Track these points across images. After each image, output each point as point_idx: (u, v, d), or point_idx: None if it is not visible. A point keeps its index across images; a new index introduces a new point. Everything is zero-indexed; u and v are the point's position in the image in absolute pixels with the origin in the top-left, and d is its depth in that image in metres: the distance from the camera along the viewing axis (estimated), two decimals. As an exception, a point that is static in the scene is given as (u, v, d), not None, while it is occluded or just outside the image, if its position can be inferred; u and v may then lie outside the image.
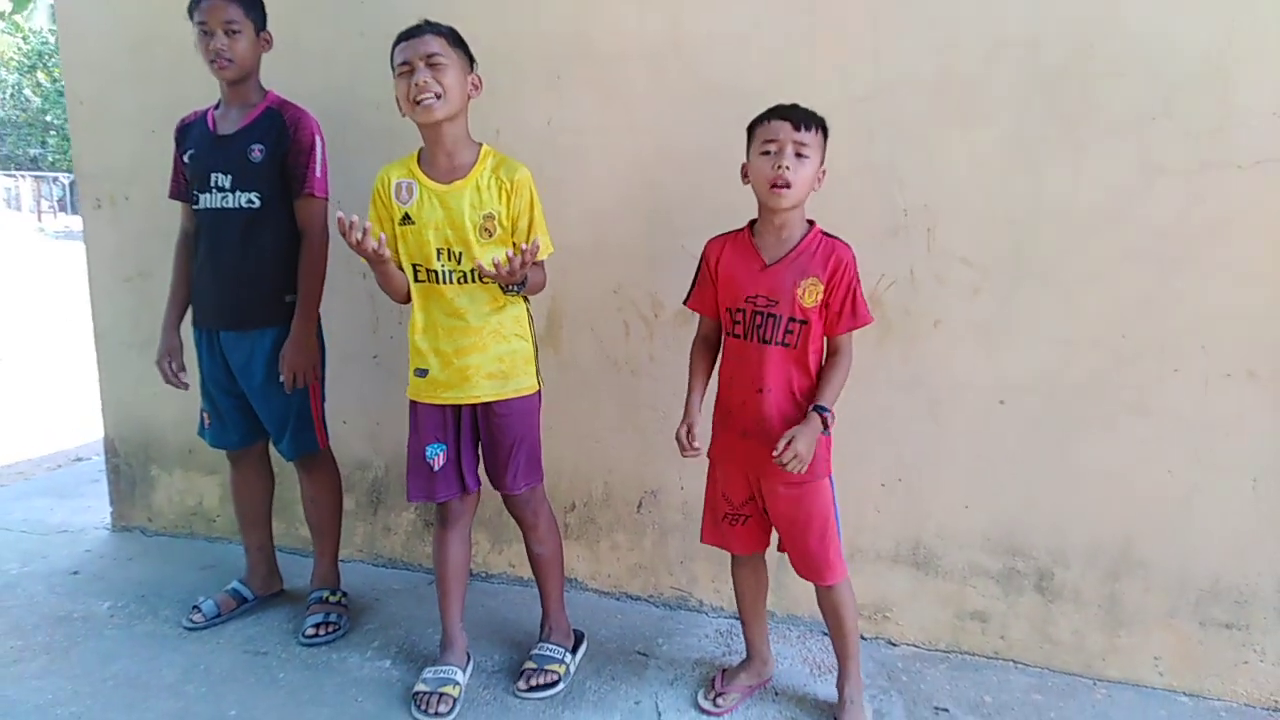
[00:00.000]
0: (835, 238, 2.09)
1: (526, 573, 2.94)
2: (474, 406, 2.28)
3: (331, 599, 2.72)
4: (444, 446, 2.30)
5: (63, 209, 27.02)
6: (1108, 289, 2.27)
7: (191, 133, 2.58)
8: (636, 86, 2.59)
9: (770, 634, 2.62)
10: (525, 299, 2.32)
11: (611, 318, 2.72)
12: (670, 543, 2.79)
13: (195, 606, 2.72)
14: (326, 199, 2.54)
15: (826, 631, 2.60)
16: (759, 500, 2.19)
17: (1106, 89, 2.20)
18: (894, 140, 2.35)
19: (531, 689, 2.34)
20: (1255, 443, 2.22)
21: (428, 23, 2.16)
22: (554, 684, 2.35)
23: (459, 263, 2.20)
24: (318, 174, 2.50)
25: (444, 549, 2.38)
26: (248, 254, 2.49)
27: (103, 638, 2.64)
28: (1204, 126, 2.15)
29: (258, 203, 2.48)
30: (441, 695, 2.26)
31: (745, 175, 2.10)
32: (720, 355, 2.23)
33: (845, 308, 2.06)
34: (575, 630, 2.56)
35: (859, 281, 2.07)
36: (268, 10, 2.55)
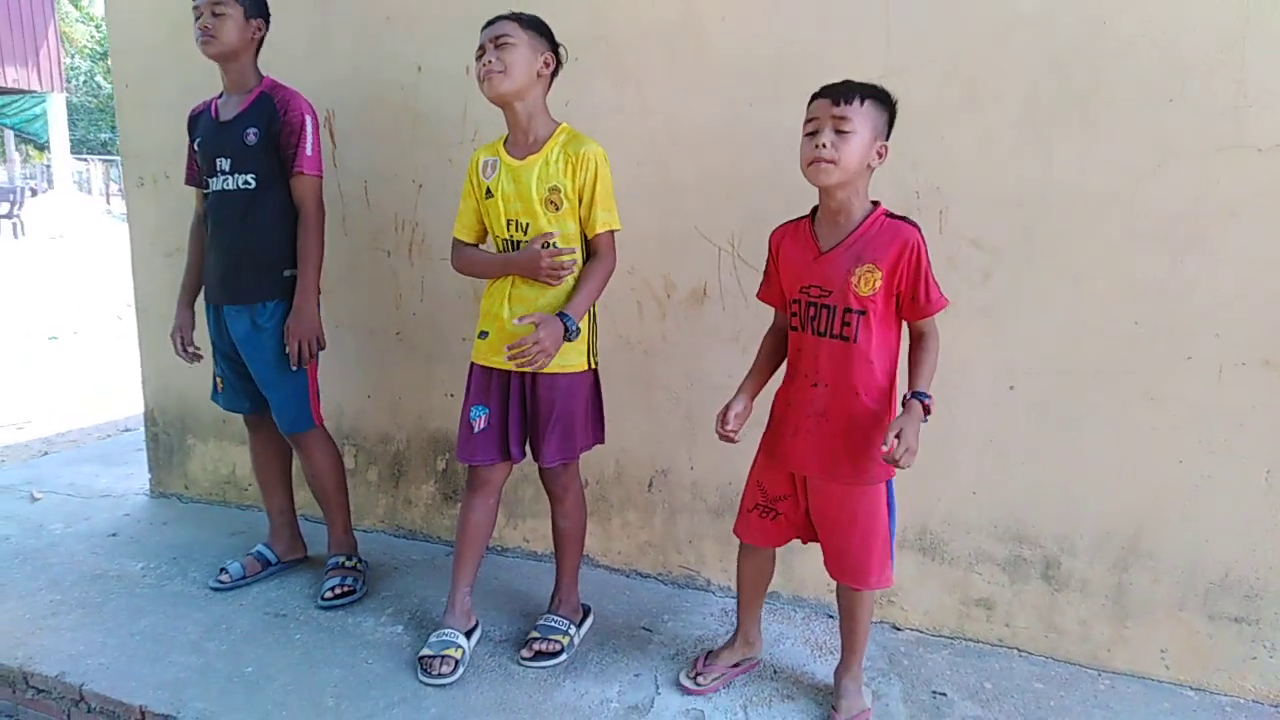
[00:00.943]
0: (903, 218, 1.98)
1: (540, 548, 3.02)
2: (522, 376, 2.34)
3: (348, 564, 2.81)
4: (486, 410, 2.36)
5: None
6: (1119, 273, 2.23)
7: (200, 122, 2.70)
8: (650, 69, 2.61)
9: (775, 615, 2.65)
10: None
11: (625, 298, 2.74)
12: (679, 522, 2.82)
13: (222, 568, 2.83)
14: (320, 176, 2.63)
15: (832, 615, 2.62)
16: (798, 499, 2.14)
17: (1119, 69, 2.16)
18: (906, 122, 2.31)
19: (534, 656, 2.39)
20: (1270, 433, 2.17)
21: (510, 11, 2.27)
22: (556, 654, 2.40)
23: (525, 233, 2.29)
24: (308, 152, 2.58)
25: (465, 512, 2.45)
26: (246, 232, 2.60)
27: (134, 595, 2.77)
28: (1219, 108, 2.09)
29: (254, 183, 2.58)
30: (444, 658, 2.32)
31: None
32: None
33: (919, 293, 1.95)
34: (583, 604, 2.60)
35: (929, 263, 1.96)
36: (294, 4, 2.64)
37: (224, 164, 2.59)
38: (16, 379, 6.09)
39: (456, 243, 2.44)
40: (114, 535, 3.23)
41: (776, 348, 2.20)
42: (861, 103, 1.91)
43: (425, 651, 2.36)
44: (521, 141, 2.31)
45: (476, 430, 2.37)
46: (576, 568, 2.55)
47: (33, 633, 2.52)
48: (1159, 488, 2.28)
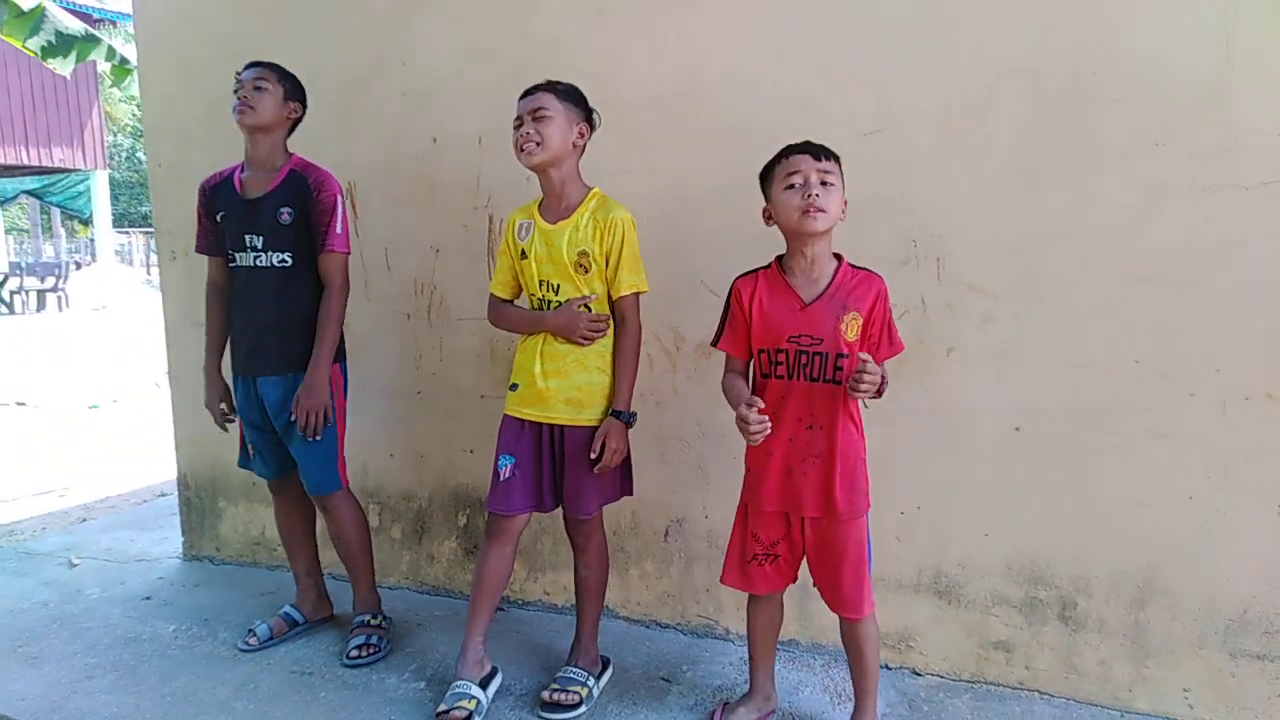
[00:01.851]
0: (866, 269, 2.12)
1: (561, 600, 3.05)
2: (552, 428, 2.42)
3: (373, 622, 2.86)
4: (514, 459, 2.45)
5: (166, 263, 28.71)
6: (1119, 312, 2.27)
7: (221, 195, 2.78)
8: (655, 130, 2.71)
9: (794, 662, 2.66)
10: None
11: (636, 351, 2.81)
12: (696, 571, 2.84)
13: (250, 630, 2.89)
14: (348, 253, 2.73)
15: (850, 661, 2.62)
16: (792, 538, 2.19)
17: (1108, 115, 2.22)
18: (901, 172, 2.40)
19: (553, 708, 2.41)
20: (1278, 466, 2.17)
21: (547, 81, 2.39)
22: (575, 705, 2.42)
23: (556, 293, 2.40)
24: (338, 231, 2.68)
25: (483, 561, 2.50)
26: (283, 307, 2.69)
27: (166, 657, 2.83)
28: (1207, 149, 2.14)
29: (290, 261, 2.68)
30: (458, 708, 2.36)
31: (768, 217, 2.14)
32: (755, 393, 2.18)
33: (883, 338, 2.09)
34: (602, 656, 2.62)
35: (891, 310, 2.11)
36: (322, 83, 2.79)
37: (255, 241, 2.68)
38: (59, 447, 6.27)
39: (493, 298, 2.56)
40: (148, 598, 3.31)
41: (741, 383, 2.24)
42: (835, 162, 2.06)
43: (441, 707, 2.39)
44: (555, 206, 2.42)
45: (503, 479, 2.44)
46: (598, 618, 2.58)
47: (69, 695, 2.59)
48: (1170, 525, 2.28)
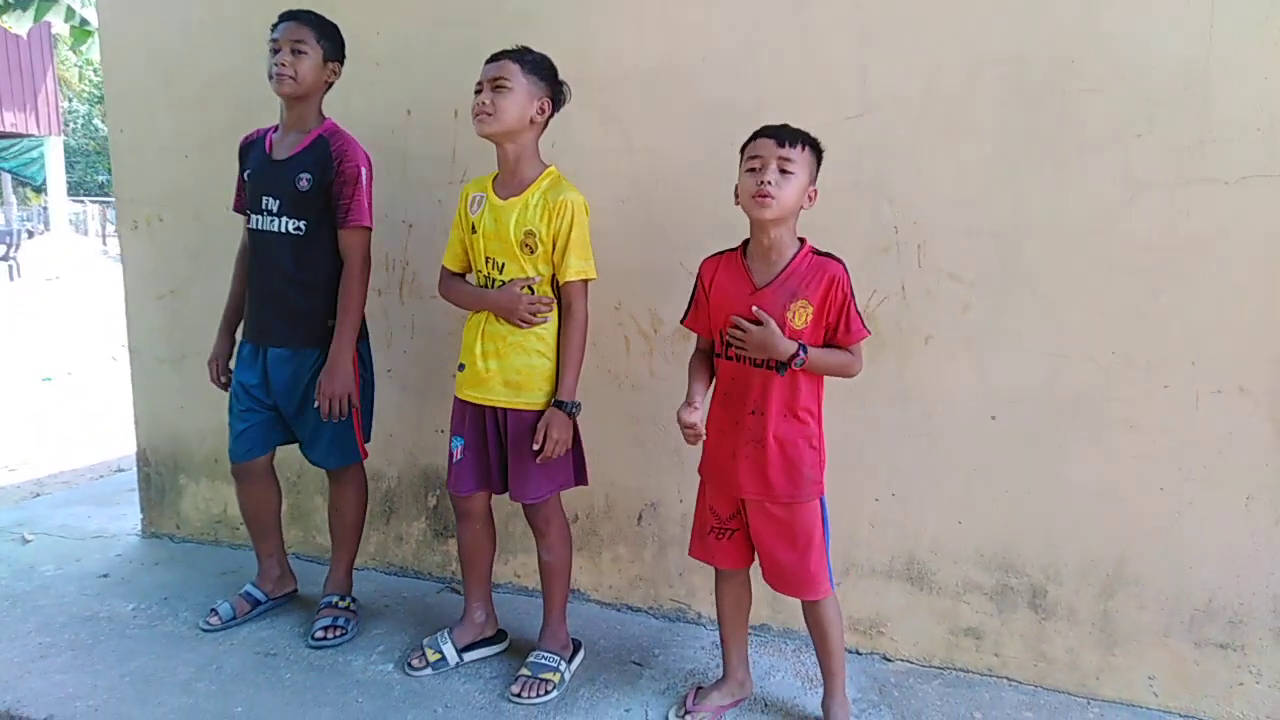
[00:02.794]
0: (828, 255, 2.10)
1: (531, 583, 3.02)
2: (495, 411, 2.40)
3: (341, 604, 2.81)
4: (463, 440, 2.45)
5: (124, 233, 28.04)
6: (1095, 303, 2.28)
7: (252, 152, 2.68)
8: (634, 109, 2.67)
9: (766, 648, 2.66)
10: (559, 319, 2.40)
11: (612, 334, 2.78)
12: (670, 555, 2.83)
13: (213, 609, 2.83)
14: (370, 228, 2.64)
15: (820, 646, 2.63)
16: (742, 518, 2.21)
17: (1089, 105, 2.22)
18: (883, 158, 2.39)
19: (524, 695, 2.39)
20: (1248, 460, 2.20)
21: (516, 48, 2.34)
22: (547, 692, 2.40)
23: (501, 272, 2.37)
24: (365, 204, 2.59)
25: (460, 537, 2.59)
26: (294, 279, 2.60)
27: (124, 637, 2.76)
28: (1186, 142, 2.15)
29: (303, 230, 2.58)
30: (422, 652, 2.54)
31: (737, 196, 2.13)
32: (715, 372, 2.24)
33: (840, 324, 2.07)
34: (574, 639, 2.61)
35: (853, 297, 2.08)
36: None
37: (271, 204, 2.58)
38: (10, 420, 6.10)
39: (444, 271, 2.52)
40: (105, 576, 3.23)
41: (707, 366, 2.26)
42: (803, 148, 2.03)
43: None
44: (508, 181, 2.37)
45: (455, 461, 2.45)
46: (564, 602, 2.56)
47: (22, 675, 2.51)
48: (1141, 515, 2.30)
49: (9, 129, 17.18)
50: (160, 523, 3.61)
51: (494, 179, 2.41)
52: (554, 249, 2.32)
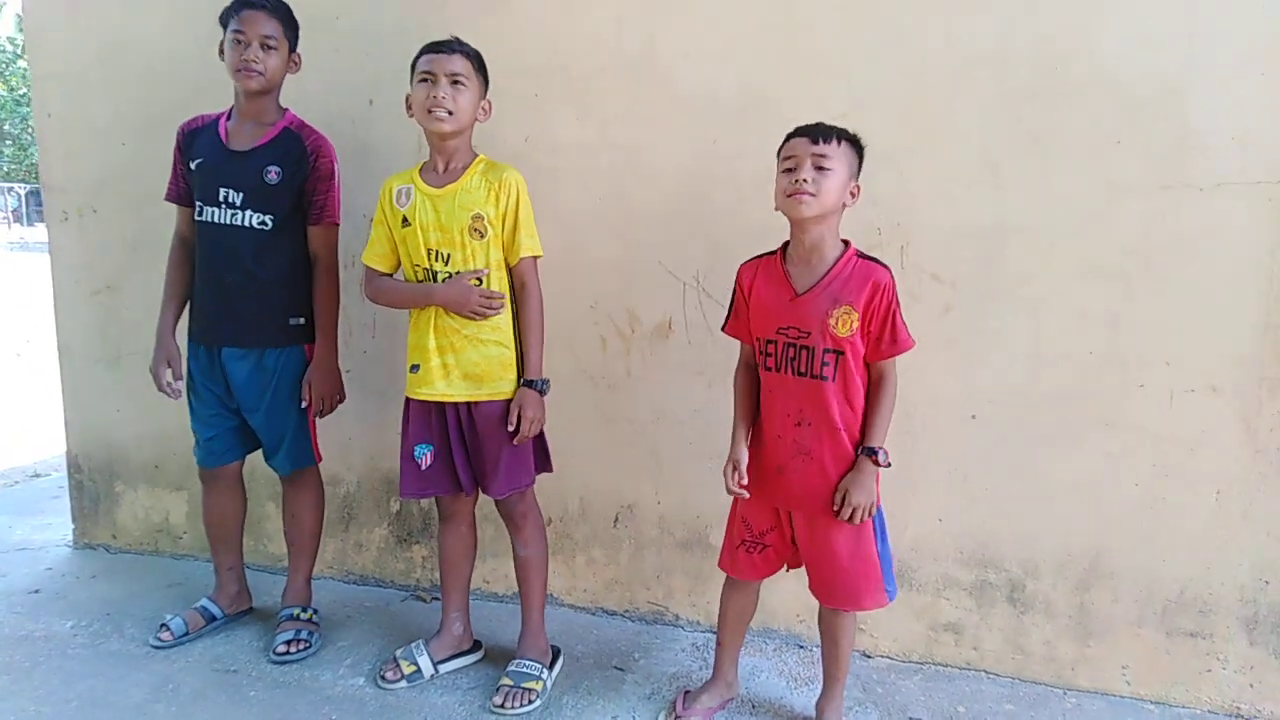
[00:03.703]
0: (873, 259, 2.03)
1: (501, 588, 2.96)
2: (457, 407, 2.32)
3: (302, 616, 2.69)
4: (430, 446, 2.37)
5: (18, 220, 26.51)
6: (1074, 304, 2.33)
7: (200, 140, 2.53)
8: (612, 104, 2.62)
9: (747, 648, 2.63)
10: (513, 307, 2.34)
11: (588, 333, 2.73)
12: (646, 557, 2.79)
13: (163, 624, 2.67)
14: (339, 224, 2.60)
15: (803, 645, 2.64)
16: (783, 530, 2.15)
17: (1070, 110, 2.26)
18: (867, 159, 2.37)
19: (508, 706, 2.32)
20: (1218, 455, 2.28)
21: (458, 41, 2.25)
22: (531, 701, 2.34)
23: (446, 263, 2.29)
24: (338, 201, 2.55)
25: (442, 541, 2.51)
26: (257, 274, 2.49)
27: (66, 657, 2.59)
28: (1164, 148, 2.21)
29: (270, 224, 2.48)
30: (396, 664, 2.46)
31: (776, 201, 2.05)
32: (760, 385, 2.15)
33: (885, 334, 1.99)
34: (552, 645, 2.55)
35: (899, 305, 2.01)
36: None
37: (233, 197, 2.46)
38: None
39: (370, 272, 2.41)
40: (37, 592, 3.02)
41: (751, 384, 2.18)
42: (839, 143, 1.98)
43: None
44: (441, 171, 2.31)
45: (424, 468, 2.37)
46: (543, 602, 2.51)
47: (-44, 705, 2.33)
48: (1117, 510, 2.37)
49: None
50: (94, 533, 3.40)
51: (420, 170, 2.34)
52: (502, 229, 2.27)
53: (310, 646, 2.61)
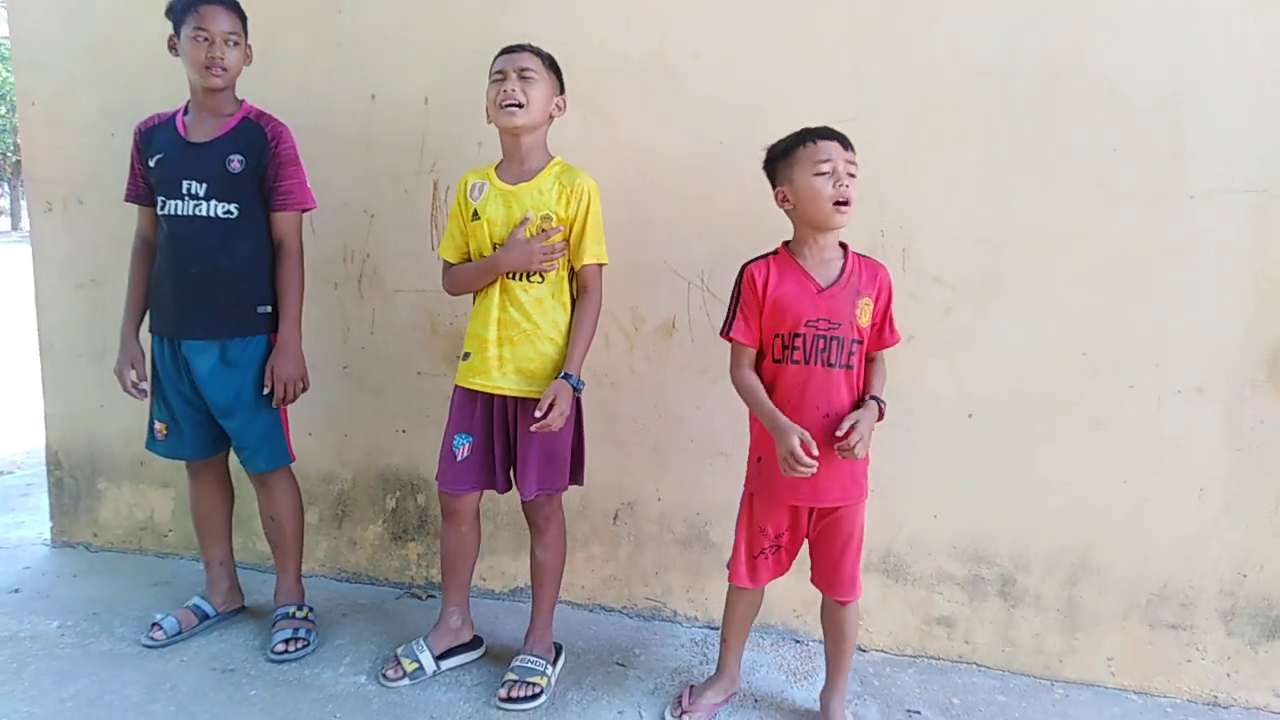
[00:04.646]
0: (870, 257, 2.16)
1: (496, 585, 2.97)
2: (505, 401, 2.32)
3: (298, 614, 2.67)
4: (471, 438, 2.36)
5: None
6: (1069, 308, 2.42)
7: (158, 137, 2.51)
8: (621, 104, 2.64)
9: (746, 643, 2.68)
10: (572, 307, 2.35)
11: (591, 330, 2.75)
12: (646, 554, 2.82)
13: (155, 623, 2.63)
14: (313, 208, 2.58)
15: (799, 640, 2.70)
16: (797, 528, 2.19)
17: (1070, 120, 2.36)
18: (872, 163, 2.43)
19: (514, 700, 2.33)
20: (1203, 454, 2.39)
21: (530, 44, 2.27)
22: (536, 695, 2.36)
23: None
24: (306, 185, 2.53)
25: (443, 538, 2.51)
26: (223, 264, 2.46)
27: (55, 657, 2.53)
28: (1158, 159, 2.32)
29: (236, 213, 2.45)
30: (397, 662, 2.45)
31: (784, 200, 2.10)
32: (766, 382, 2.15)
33: (884, 326, 2.14)
34: (554, 643, 2.56)
35: (893, 301, 2.16)
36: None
37: (197, 188, 2.43)
38: None
39: (445, 264, 2.44)
40: (17, 591, 2.95)
41: (759, 380, 2.20)
42: (855, 153, 2.07)
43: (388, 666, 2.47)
44: (516, 169, 2.32)
45: (460, 459, 2.35)
46: (553, 603, 2.52)
47: (-56, 708, 2.28)
48: (1105, 507, 2.46)
49: None
50: (74, 531, 3.32)
51: (496, 167, 2.35)
52: (570, 233, 2.28)
53: (309, 645, 2.60)
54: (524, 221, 2.25)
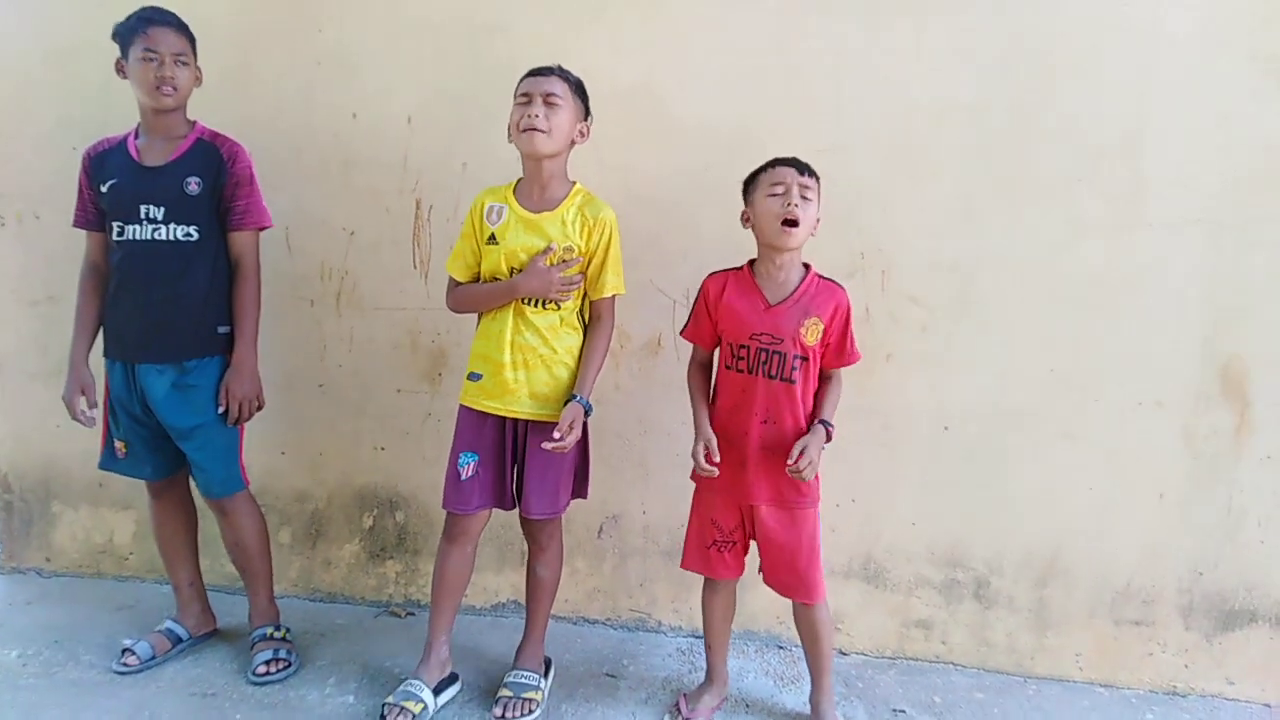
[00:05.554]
0: (831, 280, 2.26)
1: (479, 601, 2.97)
2: (515, 422, 2.33)
3: (276, 634, 2.62)
4: (476, 456, 2.33)
5: None
6: (1039, 328, 2.57)
7: (110, 161, 2.45)
8: (608, 129, 2.67)
9: (731, 650, 2.73)
10: (583, 330, 2.37)
11: (577, 348, 2.78)
12: (630, 566, 2.87)
13: (127, 649, 2.55)
14: (270, 227, 2.56)
15: (783, 646, 2.77)
16: (747, 526, 2.30)
17: (1040, 153, 2.51)
18: (851, 190, 2.55)
19: (510, 716, 2.34)
20: (1162, 462, 2.57)
21: (559, 67, 2.28)
22: (531, 710, 2.37)
23: None
24: (262, 204, 2.51)
25: (442, 561, 2.41)
26: (183, 287, 2.42)
27: (19, 689, 2.43)
28: (1121, 191, 2.49)
29: (196, 235, 2.42)
30: (402, 709, 2.29)
31: (746, 220, 2.25)
32: (716, 384, 2.33)
33: (842, 345, 2.25)
34: (545, 657, 2.58)
35: (851, 322, 2.25)
36: (212, 37, 2.52)
37: (155, 212, 2.39)
38: None
39: (452, 281, 2.43)
40: (-33, 621, 2.83)
41: (705, 379, 2.39)
42: (815, 180, 2.20)
43: (388, 699, 2.33)
44: (536, 195, 2.31)
45: (464, 478, 2.33)
46: (547, 620, 2.54)
47: (-89, 746, 2.17)
48: (1073, 513, 2.62)
49: None
50: (24, 556, 3.18)
51: (513, 190, 2.34)
52: (589, 264, 2.31)
53: (291, 665, 2.56)
54: (546, 250, 2.25)
